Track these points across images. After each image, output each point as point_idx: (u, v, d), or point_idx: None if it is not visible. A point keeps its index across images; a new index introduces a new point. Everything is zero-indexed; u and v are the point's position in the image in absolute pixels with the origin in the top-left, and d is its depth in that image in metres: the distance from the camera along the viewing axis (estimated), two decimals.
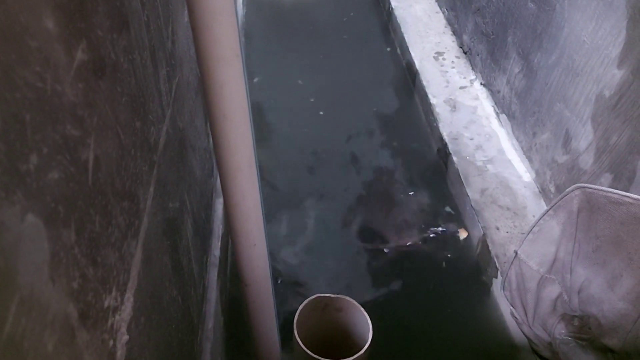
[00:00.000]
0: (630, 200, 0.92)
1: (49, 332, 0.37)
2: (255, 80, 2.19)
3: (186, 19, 1.10)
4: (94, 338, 0.45)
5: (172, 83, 0.89)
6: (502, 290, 1.27)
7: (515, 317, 1.24)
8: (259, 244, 0.76)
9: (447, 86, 1.98)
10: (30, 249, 0.35)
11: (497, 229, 1.43)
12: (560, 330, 1.12)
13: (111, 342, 0.50)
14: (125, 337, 0.54)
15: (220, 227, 1.35)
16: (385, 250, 1.51)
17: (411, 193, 1.69)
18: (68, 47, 0.43)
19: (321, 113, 2.04)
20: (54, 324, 0.37)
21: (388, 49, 2.43)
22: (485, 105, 1.87)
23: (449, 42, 2.24)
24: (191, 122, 1.08)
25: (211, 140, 0.89)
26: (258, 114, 2.01)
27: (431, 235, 1.56)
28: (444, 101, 1.90)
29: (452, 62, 2.12)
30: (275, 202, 1.64)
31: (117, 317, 0.52)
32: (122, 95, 0.58)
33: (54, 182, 0.39)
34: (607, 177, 1.16)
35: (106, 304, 0.49)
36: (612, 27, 1.11)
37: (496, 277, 1.35)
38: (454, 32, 2.27)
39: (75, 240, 0.42)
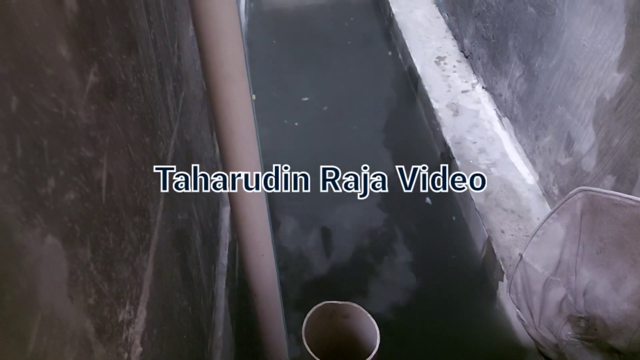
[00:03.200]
0: (633, 203, 0.93)
1: (68, 348, 0.38)
2: (257, 84, 2.21)
3: (191, 33, 1.12)
4: (110, 352, 0.47)
5: (179, 97, 0.90)
6: (508, 293, 1.27)
7: (522, 320, 1.25)
8: (266, 254, 0.77)
9: (449, 90, 1.99)
10: (50, 269, 0.36)
11: (502, 232, 1.43)
12: (566, 332, 1.13)
13: (126, 355, 0.51)
14: (139, 349, 0.55)
15: (227, 235, 1.36)
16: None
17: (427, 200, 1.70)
18: (81, 72, 0.45)
19: (324, 116, 2.05)
20: (73, 340, 0.39)
21: (389, 53, 2.45)
22: (487, 108, 1.88)
23: (450, 47, 2.25)
24: (197, 134, 1.10)
25: (217, 150, 0.90)
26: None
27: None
28: (447, 105, 1.91)
29: (454, 66, 2.13)
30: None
31: (131, 330, 0.53)
32: (132, 113, 0.60)
33: (71, 202, 0.40)
34: (610, 179, 1.17)
35: (120, 317, 0.50)
36: (611, 31, 1.12)
37: (502, 280, 1.36)
38: (455, 37, 2.28)
39: (91, 257, 0.44)
